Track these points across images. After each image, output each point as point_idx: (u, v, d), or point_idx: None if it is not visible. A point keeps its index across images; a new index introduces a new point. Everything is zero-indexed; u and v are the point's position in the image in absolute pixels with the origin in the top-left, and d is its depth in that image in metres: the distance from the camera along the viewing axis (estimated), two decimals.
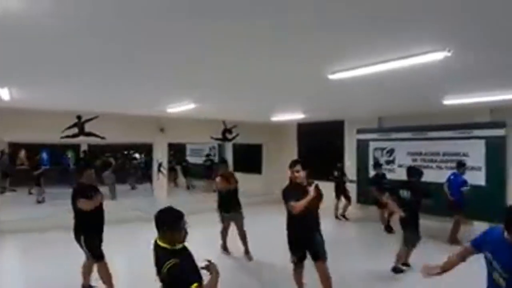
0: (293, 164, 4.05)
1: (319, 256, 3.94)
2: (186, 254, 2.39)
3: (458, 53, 3.36)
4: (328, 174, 9.08)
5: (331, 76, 4.22)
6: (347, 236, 8.14)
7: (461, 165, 6.97)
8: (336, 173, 9.23)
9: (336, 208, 9.12)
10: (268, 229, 7.58)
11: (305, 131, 12.08)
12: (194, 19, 2.68)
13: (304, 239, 4.00)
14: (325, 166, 9.35)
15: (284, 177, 12.17)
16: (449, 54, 3.30)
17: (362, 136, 9.98)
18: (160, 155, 10.51)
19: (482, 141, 7.75)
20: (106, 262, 4.36)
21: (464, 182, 6.77)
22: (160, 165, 10.41)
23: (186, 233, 2.40)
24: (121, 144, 16.89)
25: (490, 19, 2.68)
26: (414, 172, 5.46)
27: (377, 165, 8.61)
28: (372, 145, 9.74)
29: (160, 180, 10.50)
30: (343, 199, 9.15)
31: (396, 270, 5.30)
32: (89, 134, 8.69)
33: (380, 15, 2.62)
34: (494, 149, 7.58)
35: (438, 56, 3.35)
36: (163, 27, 2.83)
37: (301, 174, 3.95)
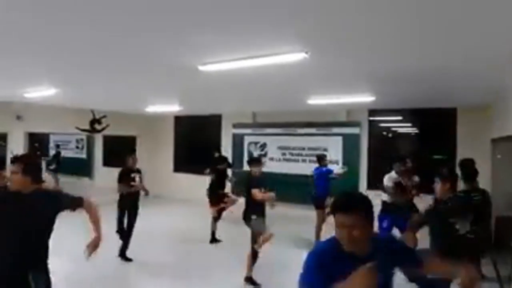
0: None
1: None
2: None
3: (314, 56, 3.64)
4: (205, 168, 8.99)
5: (201, 68, 4.18)
6: None
7: (320, 159, 6.95)
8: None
9: None
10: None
11: (183, 124, 11.90)
12: None
13: None
14: (202, 160, 9.31)
15: (161, 172, 11.82)
16: (307, 55, 3.55)
17: (238, 131, 10.28)
18: (16, 146, 9.08)
19: (340, 138, 8.74)
20: None
21: (329, 171, 6.89)
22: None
23: None
24: None
25: (337, 26, 2.95)
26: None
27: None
28: (247, 139, 10.11)
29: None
30: None
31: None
32: None
33: (243, 15, 2.66)
34: (350, 145, 8.63)
35: (297, 56, 3.58)
36: None
37: None
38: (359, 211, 1.66)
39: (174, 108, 9.29)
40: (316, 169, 6.90)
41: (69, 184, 12.08)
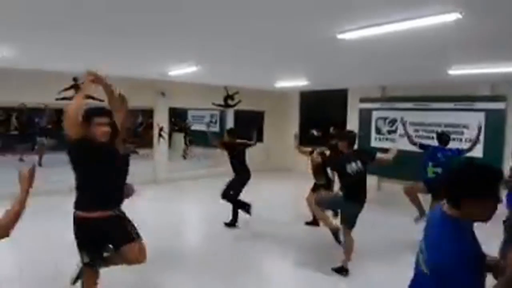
0: None
1: None
2: None
3: (468, 16, 3.34)
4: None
5: (340, 36, 4.19)
6: None
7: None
8: None
9: None
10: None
11: (308, 99, 12.08)
12: None
13: None
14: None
15: (285, 145, 12.33)
16: (460, 16, 3.29)
17: (365, 106, 9.99)
18: (161, 120, 10.52)
19: (482, 114, 7.83)
20: None
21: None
22: (161, 129, 10.43)
23: None
24: None
25: None
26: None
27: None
28: (375, 114, 9.78)
29: (161, 145, 10.54)
30: None
31: None
32: (88, 97, 8.48)
33: None
34: (494, 122, 7.70)
35: (449, 18, 3.34)
36: None
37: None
38: None
39: (301, 83, 9.47)
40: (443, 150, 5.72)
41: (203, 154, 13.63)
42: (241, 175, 6.27)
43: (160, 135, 10.41)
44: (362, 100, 10.05)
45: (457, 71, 6.42)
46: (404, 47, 4.88)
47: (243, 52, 5.72)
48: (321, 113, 11.69)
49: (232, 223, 6.36)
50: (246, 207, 6.26)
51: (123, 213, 3.18)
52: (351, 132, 5.18)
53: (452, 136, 7.90)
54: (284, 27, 4.12)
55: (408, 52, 5.20)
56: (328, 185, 6.15)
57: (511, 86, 7.59)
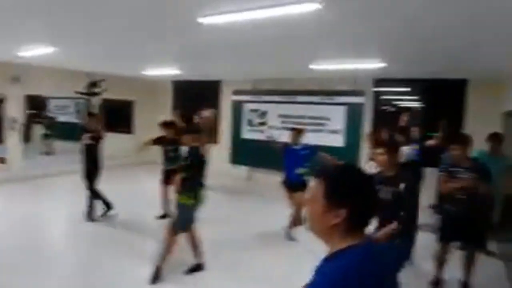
0: None
1: None
2: None
3: (328, 7, 3.28)
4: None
5: (201, 20, 3.81)
6: None
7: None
8: None
9: None
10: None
11: (181, 90, 11.55)
12: None
13: None
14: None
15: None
16: (320, 6, 3.20)
17: (238, 98, 9.96)
18: (14, 109, 8.72)
19: (342, 107, 8.44)
20: None
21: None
22: (14, 121, 8.66)
23: None
24: None
25: None
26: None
27: None
28: (247, 106, 9.81)
29: (13, 139, 8.80)
30: None
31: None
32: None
33: None
34: (353, 115, 8.34)
35: (309, 7, 3.23)
36: None
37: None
38: None
39: (172, 71, 8.88)
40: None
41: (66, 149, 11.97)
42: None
43: (13, 127, 8.66)
44: (235, 92, 10.00)
45: (318, 66, 6.65)
46: (265, 38, 4.74)
47: (103, 33, 4.96)
48: (195, 104, 11.26)
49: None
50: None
51: None
52: None
53: (316, 127, 8.53)
54: (145, 5, 3.55)
55: (270, 43, 5.10)
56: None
57: (368, 82, 8.31)
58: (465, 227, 3.96)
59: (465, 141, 3.95)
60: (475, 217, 3.96)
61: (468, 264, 4.15)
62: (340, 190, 1.24)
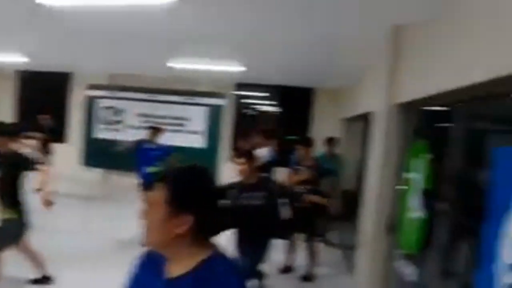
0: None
1: None
2: None
3: (183, 2, 3.17)
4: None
5: (38, 1, 3.25)
6: None
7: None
8: None
9: None
10: None
11: (27, 80, 9.98)
12: None
13: None
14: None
15: None
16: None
17: (91, 93, 9.00)
18: None
19: (204, 109, 8.44)
20: None
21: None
22: None
23: None
24: None
25: None
26: None
27: None
28: (101, 103, 8.95)
29: None
30: None
31: None
32: None
33: None
34: (215, 117, 8.38)
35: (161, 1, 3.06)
36: None
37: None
38: None
39: (19, 59, 7.26)
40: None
41: None
42: None
43: None
44: (89, 87, 9.01)
45: (177, 65, 6.46)
46: (119, 28, 4.40)
47: None
48: (43, 99, 9.87)
49: None
50: None
51: None
52: None
53: (177, 128, 8.31)
54: None
55: (124, 34, 4.76)
56: None
57: (230, 85, 8.49)
58: (306, 219, 4.40)
59: (308, 142, 4.51)
60: (314, 210, 4.43)
61: (311, 253, 4.60)
62: (185, 194, 1.12)
